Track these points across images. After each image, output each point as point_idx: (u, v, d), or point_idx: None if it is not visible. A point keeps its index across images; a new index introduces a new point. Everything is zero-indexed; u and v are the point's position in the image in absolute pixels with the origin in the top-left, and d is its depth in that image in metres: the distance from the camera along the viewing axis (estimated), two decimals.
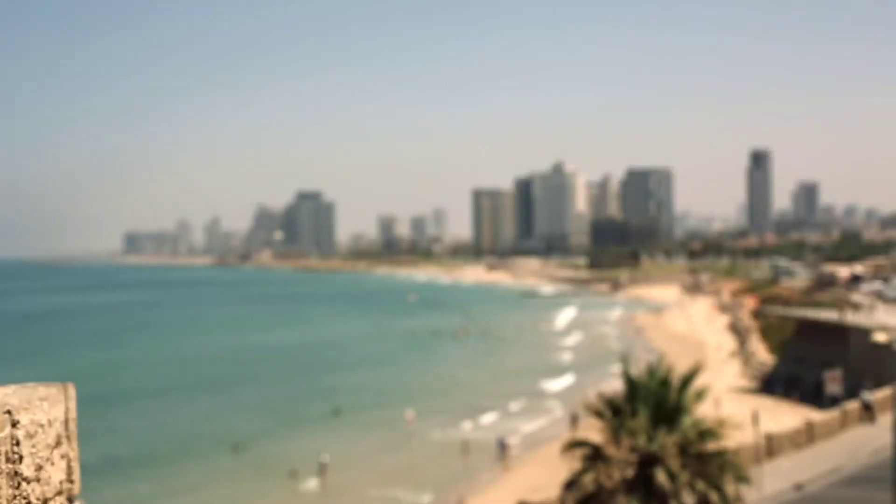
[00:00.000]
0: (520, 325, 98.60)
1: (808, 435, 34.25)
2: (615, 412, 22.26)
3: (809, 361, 50.85)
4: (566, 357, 73.03)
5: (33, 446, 2.22)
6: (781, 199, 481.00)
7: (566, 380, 59.44)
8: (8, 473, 2.13)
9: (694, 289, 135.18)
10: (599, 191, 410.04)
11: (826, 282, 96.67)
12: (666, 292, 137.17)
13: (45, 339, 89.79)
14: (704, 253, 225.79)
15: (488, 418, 47.06)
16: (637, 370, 24.53)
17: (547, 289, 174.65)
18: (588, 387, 48.61)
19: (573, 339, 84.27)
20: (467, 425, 44.87)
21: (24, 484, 2.17)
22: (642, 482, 20.84)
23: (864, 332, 48.55)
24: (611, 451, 21.67)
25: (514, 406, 50.81)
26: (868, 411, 36.74)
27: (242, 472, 37.19)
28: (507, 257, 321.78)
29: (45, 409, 2.28)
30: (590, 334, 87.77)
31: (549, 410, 49.56)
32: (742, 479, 22.09)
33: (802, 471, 29.24)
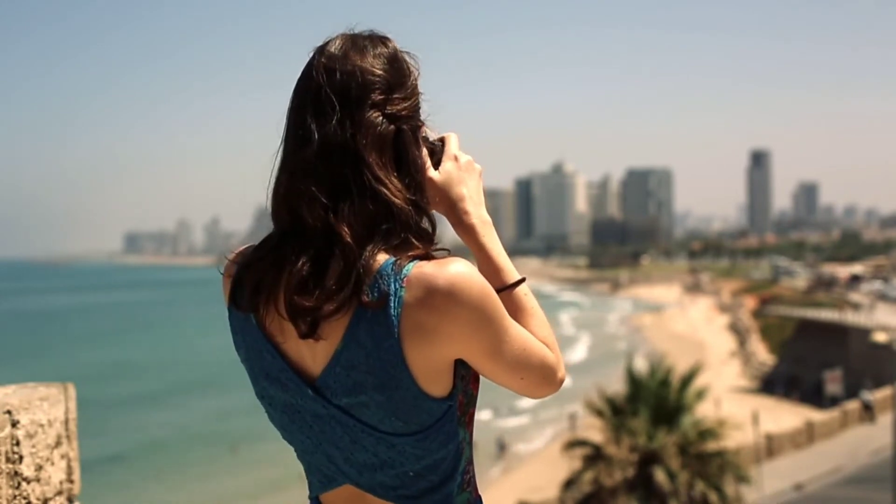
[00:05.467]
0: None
1: (808, 435, 34.25)
2: (615, 411, 22.29)
3: (809, 361, 50.76)
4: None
5: (33, 446, 2.22)
6: (781, 199, 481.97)
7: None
8: (8, 473, 2.13)
9: (694, 289, 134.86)
10: (599, 191, 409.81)
11: (826, 282, 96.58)
12: (666, 292, 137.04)
13: (45, 339, 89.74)
14: (704, 253, 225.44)
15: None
16: (637, 370, 24.54)
17: (550, 287, 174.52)
18: None
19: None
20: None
21: (24, 484, 2.17)
22: (642, 481, 20.87)
23: (864, 332, 48.49)
24: (611, 450, 21.69)
25: None
26: (868, 411, 36.74)
27: (242, 474, 37.22)
28: None
29: (45, 409, 2.28)
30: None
31: None
32: (742, 479, 22.12)
33: (802, 471, 29.24)
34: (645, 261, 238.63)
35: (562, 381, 1.46)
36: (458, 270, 1.30)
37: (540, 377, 1.42)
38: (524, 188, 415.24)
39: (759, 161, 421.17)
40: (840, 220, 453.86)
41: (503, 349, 1.36)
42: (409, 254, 1.33)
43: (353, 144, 1.34)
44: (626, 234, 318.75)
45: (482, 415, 46.47)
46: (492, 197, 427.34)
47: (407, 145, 1.40)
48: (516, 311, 1.45)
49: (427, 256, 1.35)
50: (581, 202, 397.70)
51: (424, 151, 1.50)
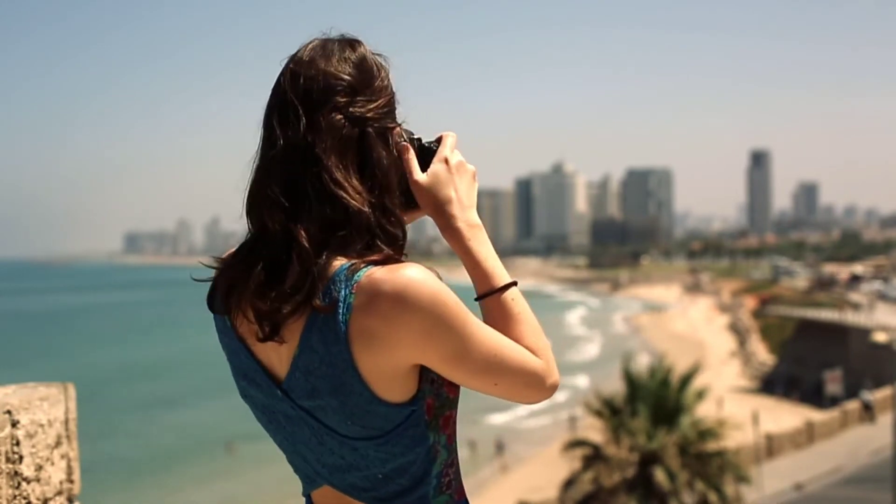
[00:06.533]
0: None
1: (808, 435, 34.25)
2: (615, 412, 22.29)
3: (809, 361, 50.77)
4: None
5: (33, 446, 2.22)
6: (781, 199, 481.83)
7: None
8: (8, 473, 2.13)
9: (694, 289, 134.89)
10: (599, 191, 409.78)
11: (826, 282, 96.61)
12: (666, 292, 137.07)
13: (46, 340, 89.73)
14: (704, 253, 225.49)
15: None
16: (637, 370, 24.54)
17: (552, 288, 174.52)
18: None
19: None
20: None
21: (24, 484, 2.17)
22: (642, 482, 20.87)
23: (864, 332, 48.51)
24: (611, 450, 21.69)
25: None
26: (868, 411, 36.74)
27: (240, 473, 37.22)
28: (506, 257, 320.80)
29: (45, 409, 2.28)
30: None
31: None
32: (742, 479, 22.12)
33: (802, 471, 29.24)
34: (645, 261, 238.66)
35: (553, 387, 1.43)
36: (407, 275, 1.29)
37: (520, 383, 1.39)
38: (524, 188, 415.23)
39: (759, 161, 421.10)
40: (840, 220, 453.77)
41: (467, 355, 1.34)
42: (368, 258, 1.33)
43: (312, 148, 1.35)
44: (626, 234, 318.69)
45: (499, 416, 46.39)
46: (492, 197, 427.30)
47: (372, 147, 1.39)
48: (503, 316, 1.43)
49: (387, 261, 1.34)
50: (581, 202, 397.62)
51: (411, 154, 1.49)
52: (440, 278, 1.39)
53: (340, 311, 1.30)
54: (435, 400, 1.39)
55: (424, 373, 1.37)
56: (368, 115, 1.39)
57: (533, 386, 1.41)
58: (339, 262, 1.33)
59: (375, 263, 1.32)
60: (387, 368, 1.32)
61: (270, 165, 1.38)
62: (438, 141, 1.54)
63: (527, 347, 1.41)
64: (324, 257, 1.32)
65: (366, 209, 1.35)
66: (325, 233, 1.33)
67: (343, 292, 1.30)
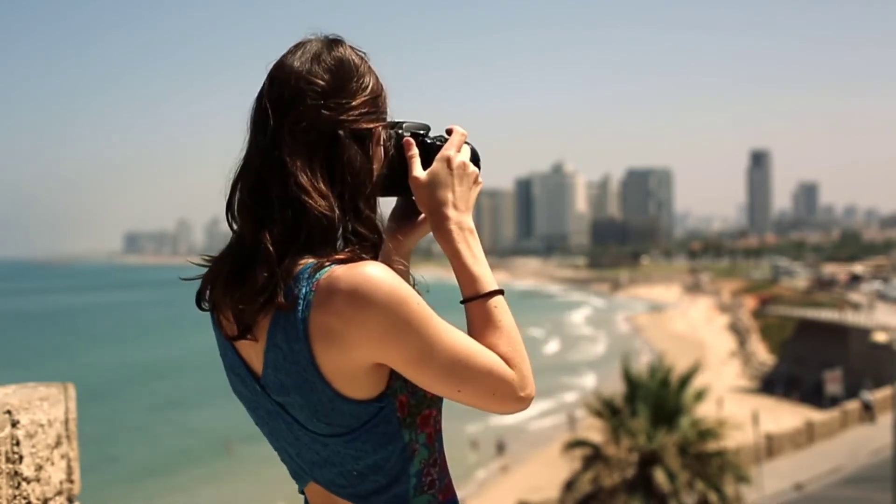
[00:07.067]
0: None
1: (808, 435, 34.24)
2: (614, 412, 22.27)
3: (809, 361, 50.76)
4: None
5: (33, 446, 2.22)
6: (781, 199, 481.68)
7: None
8: (8, 473, 2.13)
9: (694, 289, 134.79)
10: (599, 191, 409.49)
11: (826, 282, 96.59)
12: (666, 292, 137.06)
13: (46, 340, 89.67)
14: (704, 253, 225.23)
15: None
16: (637, 370, 24.53)
17: (553, 288, 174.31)
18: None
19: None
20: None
21: (24, 484, 2.17)
22: (642, 482, 20.85)
23: (864, 332, 48.48)
24: (611, 450, 21.68)
25: None
26: (868, 411, 36.73)
27: (240, 473, 37.19)
28: (506, 257, 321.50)
29: (45, 409, 2.28)
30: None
31: None
32: (742, 479, 22.10)
33: (802, 471, 29.24)
34: (645, 261, 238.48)
35: (526, 399, 1.39)
36: (364, 272, 1.30)
37: (486, 392, 1.36)
38: (524, 188, 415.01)
39: (759, 161, 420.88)
40: (840, 220, 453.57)
41: (429, 358, 1.32)
42: (334, 257, 1.34)
43: (279, 151, 1.37)
44: (626, 234, 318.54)
45: (506, 417, 46.22)
46: (492, 197, 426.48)
47: (343, 150, 1.38)
48: (483, 323, 1.41)
49: (352, 259, 1.34)
50: (581, 202, 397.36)
51: (414, 150, 1.48)
52: (414, 282, 1.40)
53: (300, 308, 1.31)
54: (410, 398, 1.38)
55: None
56: (340, 117, 1.39)
57: (501, 395, 1.37)
58: (306, 262, 1.34)
59: (340, 262, 1.33)
60: (347, 366, 1.32)
61: (244, 170, 1.41)
62: (448, 133, 1.53)
63: (501, 356, 1.38)
64: (288, 258, 1.34)
65: (328, 213, 1.35)
66: (290, 236, 1.35)
67: (304, 290, 1.31)
